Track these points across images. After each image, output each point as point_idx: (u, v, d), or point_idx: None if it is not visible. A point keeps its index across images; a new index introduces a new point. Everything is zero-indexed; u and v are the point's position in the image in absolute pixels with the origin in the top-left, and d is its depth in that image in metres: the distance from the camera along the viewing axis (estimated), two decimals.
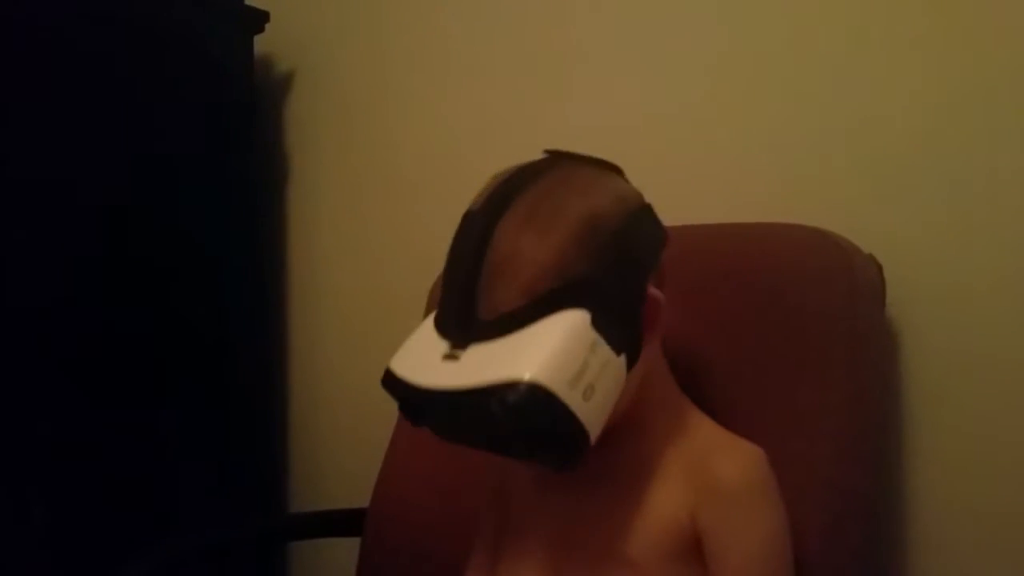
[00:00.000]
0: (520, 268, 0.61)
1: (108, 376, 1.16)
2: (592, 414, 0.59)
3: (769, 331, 0.80)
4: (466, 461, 0.83)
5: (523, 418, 0.57)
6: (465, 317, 0.62)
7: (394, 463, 1.02)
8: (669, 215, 0.70)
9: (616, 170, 0.71)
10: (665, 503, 0.67)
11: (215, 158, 1.38)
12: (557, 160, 0.69)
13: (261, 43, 1.48)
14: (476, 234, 0.63)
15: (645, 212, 0.67)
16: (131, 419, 1.18)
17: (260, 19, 1.46)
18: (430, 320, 0.67)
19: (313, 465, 1.48)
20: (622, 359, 0.62)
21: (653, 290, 0.66)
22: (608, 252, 0.62)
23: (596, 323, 0.60)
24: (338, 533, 1.06)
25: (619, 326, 0.62)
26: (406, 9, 1.38)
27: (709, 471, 0.67)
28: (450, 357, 0.61)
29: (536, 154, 0.68)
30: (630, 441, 0.69)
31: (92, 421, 1.13)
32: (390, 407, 0.69)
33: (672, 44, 1.07)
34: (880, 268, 0.84)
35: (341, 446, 1.43)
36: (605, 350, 0.60)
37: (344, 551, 1.06)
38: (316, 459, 1.48)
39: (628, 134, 1.09)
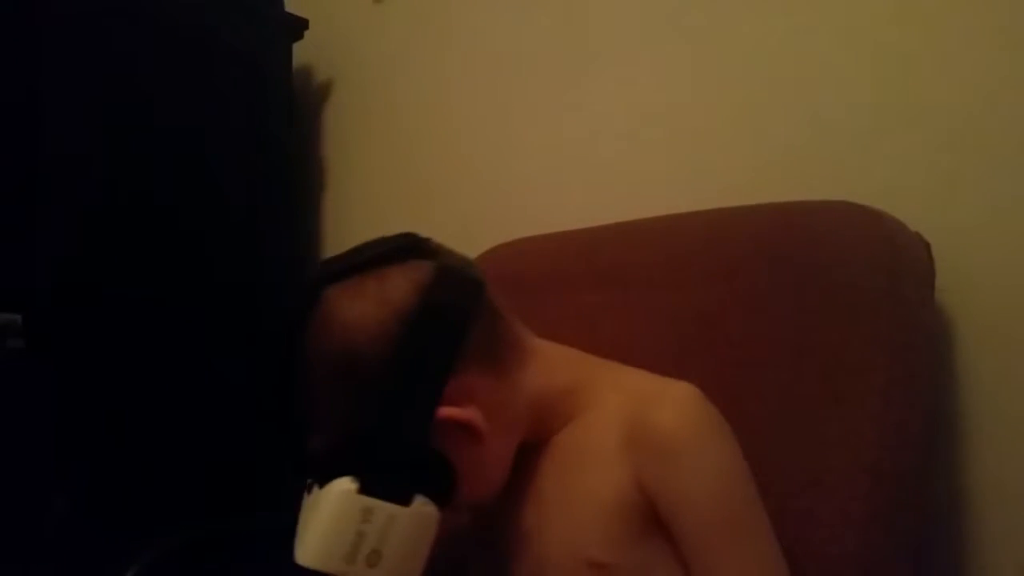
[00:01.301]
0: (312, 424, 0.63)
1: (139, 366, 1.17)
2: (393, 571, 0.59)
3: (807, 311, 0.75)
4: None
5: None
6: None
7: None
8: (704, 198, 0.67)
9: (405, 250, 0.65)
10: (609, 487, 0.63)
11: (255, 163, 1.39)
12: (321, 290, 0.64)
13: (300, 50, 1.49)
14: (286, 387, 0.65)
15: (419, 325, 0.61)
16: (159, 408, 1.18)
17: (299, 26, 1.47)
18: None
19: None
20: (419, 504, 0.60)
21: (448, 411, 0.62)
22: (373, 401, 0.60)
23: (366, 488, 0.59)
24: None
25: (405, 476, 0.60)
26: (442, 16, 1.38)
27: (638, 430, 0.63)
28: None
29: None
30: (561, 446, 0.69)
31: (116, 409, 1.13)
32: None
33: (707, 21, 1.04)
34: (928, 247, 0.78)
35: None
36: (384, 511, 0.59)
37: None
38: None
39: (657, 120, 1.08)
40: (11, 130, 1.08)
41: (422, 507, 0.60)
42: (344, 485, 0.59)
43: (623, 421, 0.65)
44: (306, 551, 0.58)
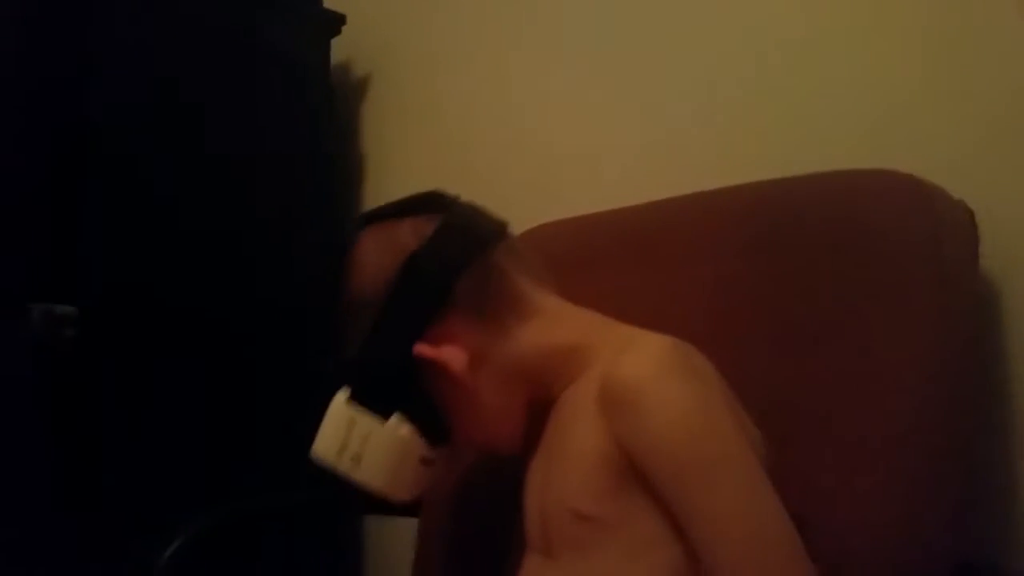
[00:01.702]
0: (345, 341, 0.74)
1: (187, 351, 1.20)
2: (369, 475, 0.71)
3: (845, 281, 0.74)
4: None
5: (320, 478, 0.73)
6: None
7: None
8: (740, 172, 0.66)
9: (425, 204, 0.74)
10: (589, 442, 0.65)
11: (294, 159, 1.41)
12: (358, 232, 0.76)
13: (338, 46, 1.51)
14: None
15: (413, 266, 0.70)
16: (209, 393, 1.22)
17: (337, 22, 1.49)
18: None
19: None
20: (395, 423, 0.70)
21: (422, 349, 0.69)
22: (366, 327, 0.71)
23: (355, 399, 0.72)
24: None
25: (386, 395, 0.71)
26: (481, 8, 1.39)
27: (605, 385, 0.64)
28: None
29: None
30: (564, 403, 0.71)
31: (171, 391, 1.17)
32: None
33: None
34: (972, 215, 0.77)
35: None
36: (365, 423, 0.71)
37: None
38: None
39: (688, 96, 1.07)
40: (61, 132, 1.12)
41: (397, 426, 0.71)
42: (341, 395, 0.72)
43: (599, 378, 0.65)
44: (314, 445, 0.73)
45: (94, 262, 1.13)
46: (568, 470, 0.67)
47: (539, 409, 0.74)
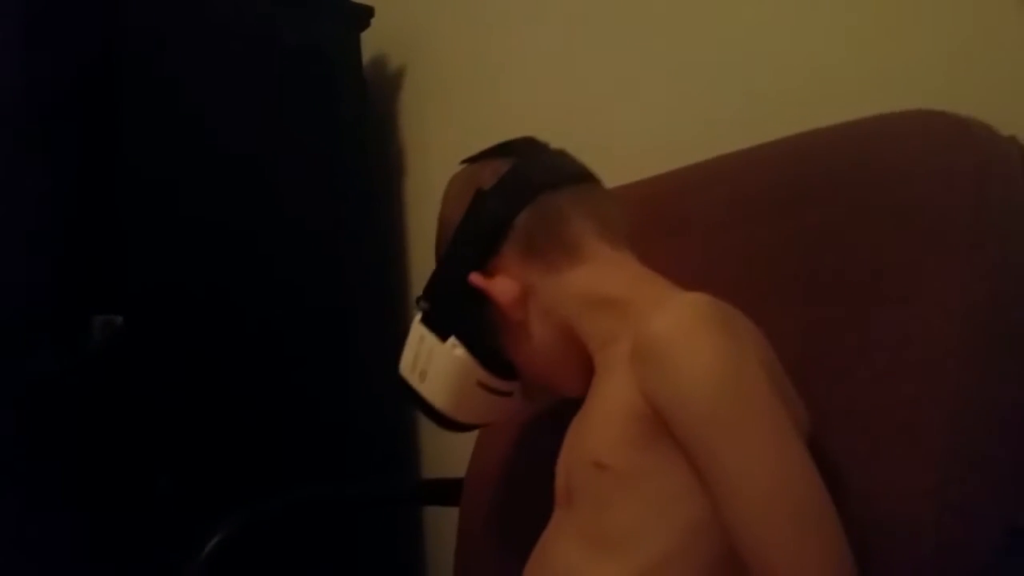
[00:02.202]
0: None
1: (235, 350, 1.22)
2: (431, 390, 0.77)
3: (884, 233, 0.70)
4: (555, 425, 0.79)
5: (401, 393, 0.81)
6: None
7: (488, 431, 0.99)
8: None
9: (510, 149, 0.79)
10: (617, 394, 0.65)
11: (330, 154, 1.41)
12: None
13: (369, 39, 1.51)
14: None
15: (478, 202, 0.75)
16: (256, 392, 1.23)
17: (365, 15, 1.49)
18: None
19: (442, 434, 1.46)
20: (451, 344, 0.75)
21: (474, 277, 0.74)
22: (442, 253, 0.78)
23: (425, 319, 0.78)
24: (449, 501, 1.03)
25: (447, 318, 0.77)
26: None
27: (637, 339, 0.63)
28: None
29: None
30: (603, 362, 0.71)
31: (218, 392, 1.19)
32: None
33: None
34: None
35: None
36: (431, 341, 0.77)
37: None
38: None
39: (748, 59, 1.02)
40: (94, 139, 1.14)
41: (453, 347, 0.75)
42: (418, 315, 0.79)
43: (634, 335, 0.64)
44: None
45: (138, 274, 1.16)
46: (594, 422, 0.68)
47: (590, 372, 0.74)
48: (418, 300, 0.79)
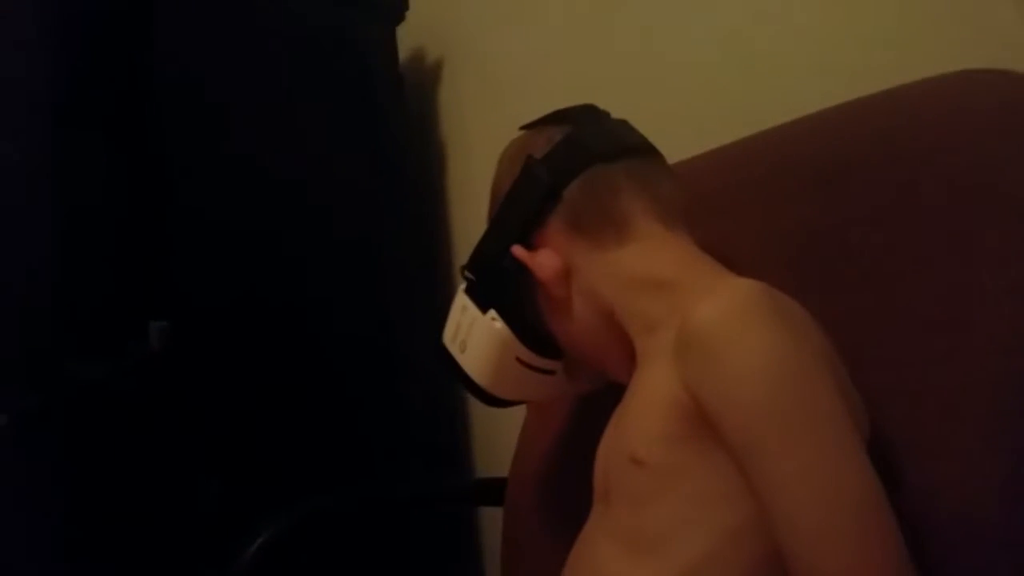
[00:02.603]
0: None
1: (282, 352, 1.22)
2: (469, 362, 0.75)
3: (931, 204, 0.64)
4: (601, 418, 0.76)
5: (441, 363, 0.79)
6: None
7: (529, 431, 0.98)
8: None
9: (567, 116, 0.75)
10: (657, 386, 0.61)
11: (370, 152, 1.40)
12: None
13: (406, 33, 1.50)
14: None
15: (527, 170, 0.72)
16: (305, 394, 1.23)
17: (400, 8, 1.47)
18: None
19: (496, 433, 1.45)
20: (490, 316, 0.73)
21: (516, 249, 0.71)
22: (490, 221, 0.75)
23: (468, 289, 0.77)
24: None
25: (488, 289, 0.75)
26: None
27: (682, 327, 0.59)
28: None
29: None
30: (647, 350, 0.67)
31: (267, 395, 1.19)
32: None
33: None
34: None
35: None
36: (472, 311, 0.75)
37: None
38: (498, 427, 1.45)
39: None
40: (133, 121, 1.15)
41: (492, 320, 0.73)
42: (463, 283, 0.77)
43: (680, 323, 0.60)
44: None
45: (184, 282, 1.17)
46: (634, 414, 0.65)
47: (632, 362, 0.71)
48: (462, 269, 0.77)
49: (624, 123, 0.77)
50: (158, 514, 1.07)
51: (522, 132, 0.78)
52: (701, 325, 0.57)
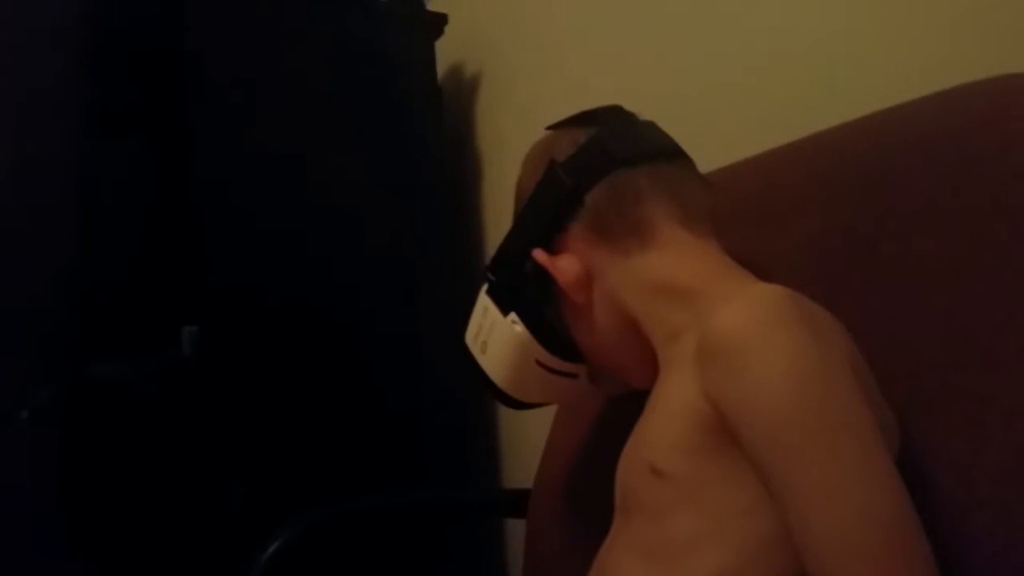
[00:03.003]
0: None
1: (311, 360, 1.23)
2: (489, 364, 0.75)
3: (975, 212, 0.62)
4: (624, 428, 0.74)
5: (465, 363, 0.78)
6: None
7: (555, 440, 0.97)
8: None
9: (583, 120, 0.74)
10: (678, 395, 0.60)
11: (406, 165, 1.41)
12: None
13: (444, 48, 1.50)
14: None
15: (549, 173, 0.70)
16: (333, 402, 1.23)
17: (439, 23, 1.48)
18: None
19: (523, 443, 1.43)
20: (511, 319, 0.72)
21: (537, 253, 0.70)
22: (514, 223, 0.75)
23: (490, 290, 0.75)
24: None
25: (509, 292, 0.73)
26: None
27: (704, 334, 0.57)
28: None
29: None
30: (671, 357, 0.66)
31: (295, 401, 1.20)
32: None
33: None
34: None
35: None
36: (493, 313, 0.74)
37: None
38: (526, 437, 1.42)
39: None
40: (166, 125, 1.17)
41: (512, 323, 0.72)
42: (485, 284, 0.76)
43: (703, 330, 0.58)
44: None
45: (214, 289, 1.18)
46: (654, 423, 0.64)
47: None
48: (485, 270, 0.76)
49: (651, 125, 0.76)
50: (182, 517, 1.07)
51: (548, 132, 0.77)
52: (724, 332, 0.56)
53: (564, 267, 0.69)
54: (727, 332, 0.55)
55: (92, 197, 1.13)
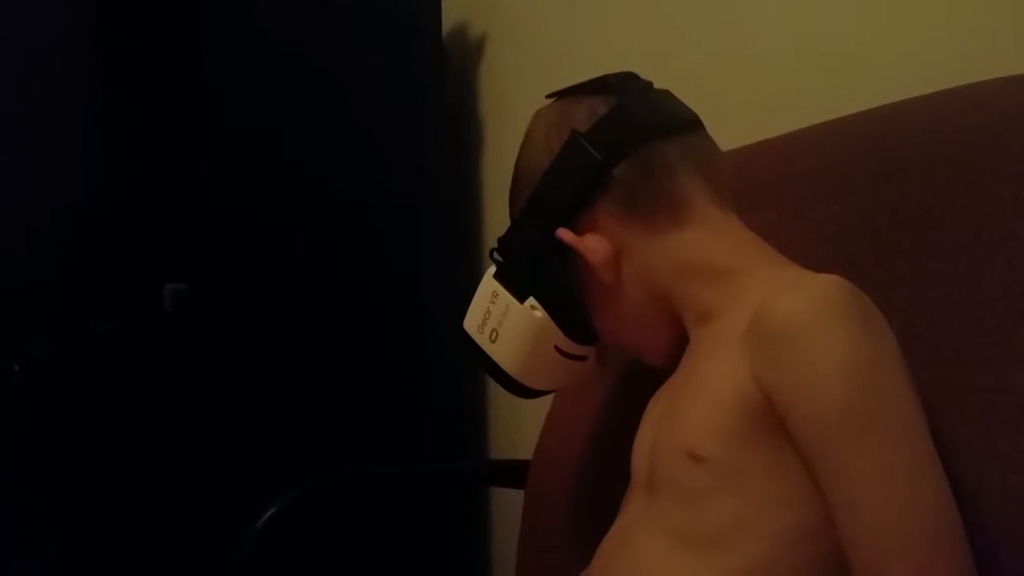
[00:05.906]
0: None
1: (305, 324, 1.21)
2: (501, 354, 0.71)
3: (993, 205, 0.62)
4: (627, 405, 0.75)
5: (464, 351, 0.74)
6: None
7: (558, 414, 0.95)
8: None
9: (596, 88, 0.69)
10: (724, 378, 0.58)
11: (408, 126, 1.38)
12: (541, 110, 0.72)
13: (450, 7, 1.47)
14: None
15: (572, 146, 0.66)
16: (327, 372, 1.22)
17: None
18: None
19: (512, 415, 1.43)
20: (530, 304, 0.68)
21: (563, 233, 0.66)
22: (523, 203, 0.69)
23: (499, 275, 0.71)
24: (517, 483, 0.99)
25: (525, 275, 0.69)
26: None
27: (758, 316, 0.56)
28: None
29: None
30: (704, 338, 0.64)
31: (285, 366, 1.18)
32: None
33: None
34: None
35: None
36: (505, 298, 0.70)
37: None
38: (516, 410, 1.42)
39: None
40: (167, 86, 1.14)
41: (531, 308, 0.68)
42: (491, 268, 0.72)
43: (753, 311, 0.57)
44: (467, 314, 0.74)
45: (205, 245, 1.16)
46: (693, 406, 0.61)
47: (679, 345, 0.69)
48: (492, 253, 0.72)
49: (668, 94, 0.72)
50: (167, 479, 1.06)
51: (553, 102, 0.71)
52: (784, 317, 0.55)
53: (593, 246, 0.65)
54: (788, 317, 0.55)
55: (94, 146, 1.10)
